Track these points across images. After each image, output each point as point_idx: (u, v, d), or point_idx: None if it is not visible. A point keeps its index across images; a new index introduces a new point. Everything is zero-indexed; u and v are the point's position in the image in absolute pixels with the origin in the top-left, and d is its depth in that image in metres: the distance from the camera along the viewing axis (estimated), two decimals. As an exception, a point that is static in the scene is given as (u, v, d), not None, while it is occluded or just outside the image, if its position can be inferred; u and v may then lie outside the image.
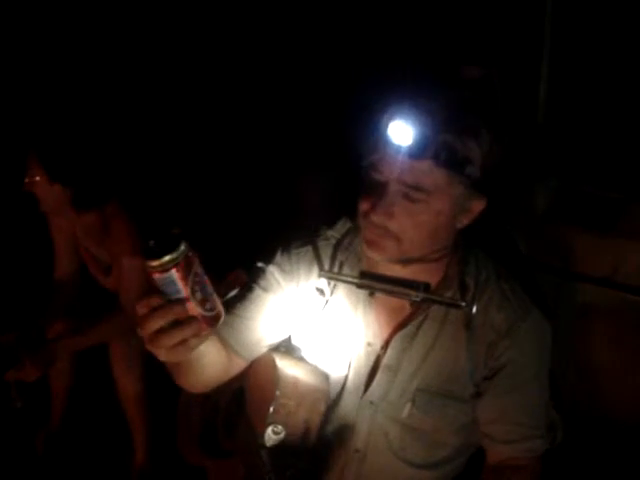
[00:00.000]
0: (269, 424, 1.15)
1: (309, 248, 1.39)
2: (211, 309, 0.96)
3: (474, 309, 1.28)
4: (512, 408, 1.30)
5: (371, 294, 1.34)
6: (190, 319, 0.94)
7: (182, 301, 0.92)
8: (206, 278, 0.95)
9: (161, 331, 0.95)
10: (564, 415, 1.44)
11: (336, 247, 1.41)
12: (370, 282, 1.27)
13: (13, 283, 3.12)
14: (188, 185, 3.22)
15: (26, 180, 2.22)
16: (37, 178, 2.21)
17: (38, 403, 2.64)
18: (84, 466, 2.59)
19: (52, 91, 3.23)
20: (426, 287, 1.21)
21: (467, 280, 1.32)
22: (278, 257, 1.42)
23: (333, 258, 1.39)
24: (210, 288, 0.96)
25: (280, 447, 1.22)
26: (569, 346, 2.10)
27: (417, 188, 1.16)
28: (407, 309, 1.33)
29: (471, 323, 1.30)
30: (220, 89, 3.36)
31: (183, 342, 0.96)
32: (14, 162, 2.28)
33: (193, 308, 0.94)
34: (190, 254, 0.92)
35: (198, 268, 0.93)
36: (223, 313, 0.99)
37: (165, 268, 0.89)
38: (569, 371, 2.13)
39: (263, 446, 1.19)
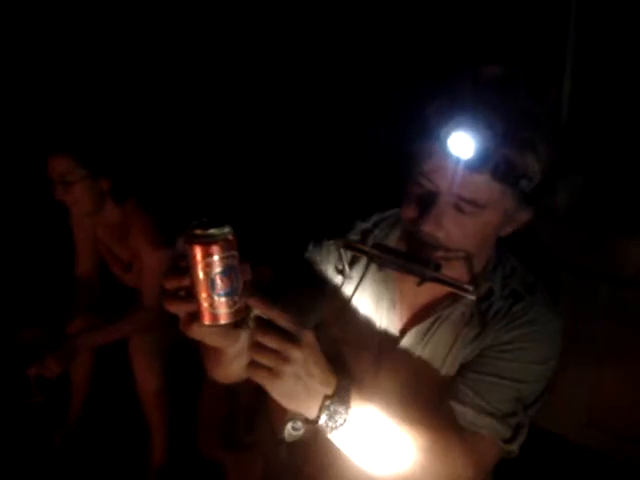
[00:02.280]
0: (289, 420, 1.14)
1: (340, 240, 1.38)
2: (220, 306, 0.93)
3: (493, 307, 1.29)
4: (484, 383, 1.25)
5: (380, 268, 1.34)
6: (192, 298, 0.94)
7: (198, 275, 0.91)
8: (235, 275, 0.93)
9: (170, 294, 0.96)
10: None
11: (365, 236, 1.41)
12: (382, 254, 1.27)
13: (35, 280, 3.16)
14: (211, 181, 3.24)
15: (59, 186, 2.23)
16: (76, 178, 2.22)
17: (58, 398, 2.66)
18: (102, 461, 2.60)
19: (77, 91, 3.27)
20: (437, 266, 1.20)
21: (494, 285, 1.31)
22: (310, 251, 1.43)
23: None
24: (234, 286, 0.93)
25: (299, 443, 1.21)
26: (592, 345, 2.08)
27: (471, 201, 1.15)
28: (428, 308, 1.34)
29: (486, 327, 1.29)
30: (242, 84, 3.38)
31: (188, 321, 0.96)
32: (35, 165, 2.29)
33: (204, 289, 0.92)
34: (233, 242, 0.92)
35: (234, 260, 0.92)
36: (228, 319, 0.95)
37: (206, 240, 0.89)
38: (591, 370, 2.11)
39: (282, 442, 1.18)
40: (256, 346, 0.98)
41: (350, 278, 1.40)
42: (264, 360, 0.97)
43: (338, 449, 1.11)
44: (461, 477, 1.19)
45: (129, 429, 2.70)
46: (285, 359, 0.97)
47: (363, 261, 1.40)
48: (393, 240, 1.39)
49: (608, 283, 2.14)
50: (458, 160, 1.10)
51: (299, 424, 1.11)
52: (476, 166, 1.10)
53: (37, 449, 2.64)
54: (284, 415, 1.16)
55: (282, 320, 0.96)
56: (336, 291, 1.41)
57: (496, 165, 1.10)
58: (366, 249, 1.30)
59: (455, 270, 1.23)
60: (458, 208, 1.16)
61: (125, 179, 2.34)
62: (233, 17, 3.36)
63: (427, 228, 1.17)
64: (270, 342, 0.96)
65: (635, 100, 2.34)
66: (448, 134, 1.09)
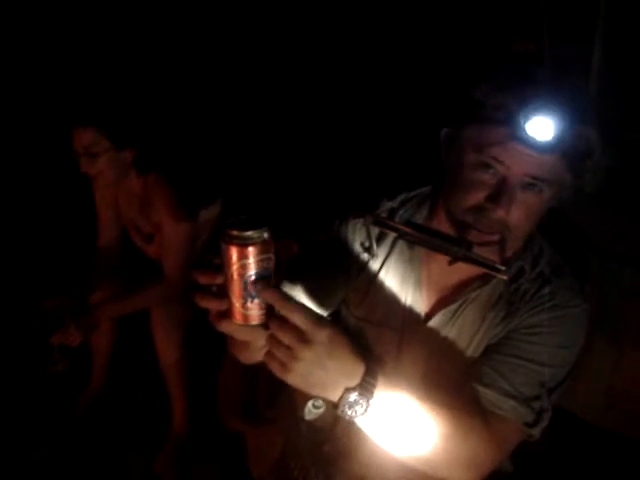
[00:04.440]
0: (310, 398, 1.15)
1: (367, 218, 1.37)
2: (252, 308, 0.94)
3: (521, 288, 1.28)
4: (508, 365, 1.25)
5: (410, 247, 1.34)
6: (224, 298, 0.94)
7: (232, 276, 0.91)
8: (269, 277, 0.93)
9: (202, 289, 0.96)
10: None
11: (391, 215, 1.40)
12: (413, 231, 1.26)
13: (58, 251, 3.18)
14: (233, 153, 3.24)
15: (83, 157, 2.24)
16: (101, 150, 2.23)
17: (80, 367, 2.69)
18: (123, 430, 2.64)
19: (102, 64, 3.27)
20: (468, 245, 1.19)
21: (525, 264, 1.31)
22: (336, 227, 1.43)
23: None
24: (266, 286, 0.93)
25: (319, 421, 1.22)
26: (616, 328, 2.06)
27: (541, 180, 1.15)
28: (456, 290, 1.34)
29: (514, 309, 1.29)
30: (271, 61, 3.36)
31: (218, 317, 0.97)
32: (60, 136, 2.30)
33: (237, 290, 0.92)
34: (270, 245, 0.91)
35: (270, 263, 0.92)
36: (259, 320, 0.96)
37: (243, 242, 0.89)
38: (614, 353, 2.10)
39: (302, 419, 1.19)
40: (272, 339, 0.98)
41: (376, 256, 1.39)
42: (277, 354, 0.98)
43: (359, 430, 1.12)
44: (482, 459, 1.19)
45: (150, 398, 2.73)
46: (295, 357, 0.97)
47: (389, 240, 1.40)
48: (419, 220, 1.38)
49: (632, 267, 2.11)
50: (533, 142, 1.10)
51: (320, 402, 1.12)
52: (551, 147, 1.10)
53: (59, 417, 2.67)
54: (306, 393, 1.17)
55: (295, 317, 0.96)
56: (362, 268, 1.41)
57: (570, 144, 1.11)
58: (398, 226, 1.30)
59: (487, 251, 1.23)
60: (525, 189, 1.17)
61: (149, 151, 2.34)
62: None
63: (500, 213, 1.17)
64: (283, 338, 0.97)
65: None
66: (526, 119, 1.09)
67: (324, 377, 1.00)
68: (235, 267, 0.90)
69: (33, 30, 3.37)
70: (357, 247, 1.41)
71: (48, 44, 3.37)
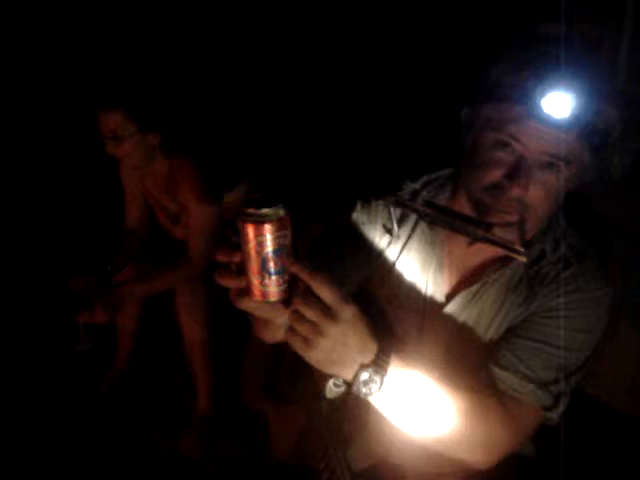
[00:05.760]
0: (331, 377, 1.16)
1: (389, 199, 1.37)
2: (270, 285, 0.94)
3: (542, 271, 1.28)
4: (527, 349, 1.25)
5: (432, 229, 1.35)
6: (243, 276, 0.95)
7: (249, 253, 0.92)
8: (286, 254, 0.94)
9: (221, 267, 0.97)
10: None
11: (414, 196, 1.40)
12: (433, 212, 1.27)
13: (85, 231, 3.22)
14: (259, 136, 3.24)
15: (110, 140, 2.25)
16: (127, 133, 2.24)
17: (106, 346, 2.72)
18: (147, 409, 2.68)
19: (127, 48, 3.29)
20: (488, 227, 1.19)
21: (546, 247, 1.30)
22: (358, 209, 1.43)
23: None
24: (285, 264, 0.94)
25: (339, 400, 1.23)
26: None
27: (559, 158, 1.14)
28: (477, 271, 1.34)
29: (534, 291, 1.28)
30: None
31: (238, 294, 0.98)
32: (87, 119, 2.32)
33: (255, 267, 0.93)
34: (286, 221, 0.92)
35: (286, 240, 0.93)
36: (277, 297, 0.96)
37: (259, 220, 0.90)
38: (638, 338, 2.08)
39: (324, 397, 1.20)
40: (296, 315, 0.98)
41: (398, 237, 1.39)
42: (301, 330, 0.99)
43: (378, 409, 1.13)
44: (499, 441, 1.20)
45: (175, 377, 2.77)
46: (320, 332, 0.98)
47: (411, 221, 1.40)
48: (442, 201, 1.38)
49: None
50: (550, 119, 1.09)
51: (340, 381, 1.12)
52: (569, 125, 1.09)
53: (85, 395, 2.72)
54: (327, 372, 1.18)
55: (323, 292, 0.97)
56: (383, 250, 1.41)
57: (587, 122, 1.10)
58: (417, 207, 1.30)
59: (507, 232, 1.22)
60: (543, 167, 1.16)
61: (175, 133, 2.35)
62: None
63: (517, 191, 1.16)
64: (308, 313, 0.97)
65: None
66: (543, 96, 1.08)
67: (344, 354, 1.01)
68: (252, 244, 0.91)
69: (58, 16, 3.39)
70: (379, 228, 1.41)
71: (74, 29, 3.39)
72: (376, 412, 1.13)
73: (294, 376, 1.57)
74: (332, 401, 1.21)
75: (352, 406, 1.39)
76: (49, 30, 3.40)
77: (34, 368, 2.76)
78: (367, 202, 1.43)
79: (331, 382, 1.14)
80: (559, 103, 1.07)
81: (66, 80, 3.36)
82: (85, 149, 2.72)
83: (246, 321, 1.23)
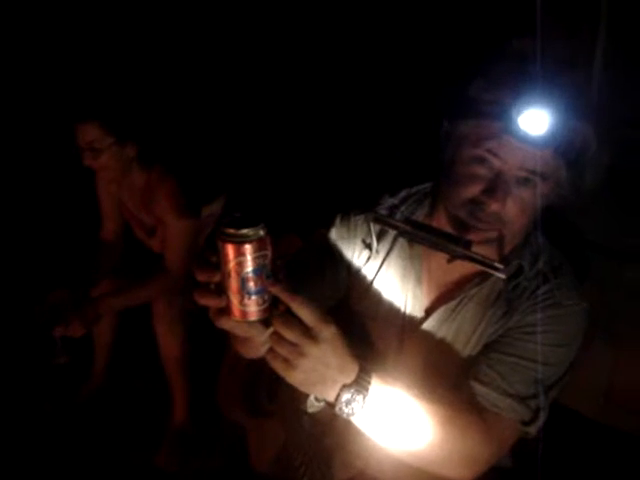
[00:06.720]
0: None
1: (368, 215, 1.38)
2: (250, 304, 0.94)
3: (520, 286, 1.29)
4: (506, 364, 1.25)
5: (411, 244, 1.36)
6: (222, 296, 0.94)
7: (229, 273, 0.92)
8: (266, 274, 0.93)
9: (200, 286, 0.96)
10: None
11: (392, 211, 1.41)
12: (412, 229, 1.28)
13: (60, 244, 3.20)
14: (237, 149, 3.24)
15: (87, 152, 2.23)
16: (105, 145, 2.23)
17: (82, 359, 2.70)
18: (123, 422, 2.65)
19: (105, 60, 3.28)
20: (467, 244, 1.21)
21: (523, 263, 1.31)
22: (337, 223, 1.44)
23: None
24: (263, 286, 0.94)
25: (320, 414, 1.23)
26: (614, 325, 2.07)
27: (535, 174, 1.16)
28: (455, 287, 1.35)
29: (512, 307, 1.29)
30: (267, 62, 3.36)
31: (217, 313, 0.97)
32: (63, 131, 2.31)
33: (235, 287, 0.93)
34: (266, 241, 0.91)
35: (266, 260, 0.92)
36: (257, 316, 0.96)
37: (239, 240, 0.90)
38: (612, 348, 2.11)
39: (305, 412, 1.20)
40: (276, 336, 0.98)
41: (377, 253, 1.40)
42: (281, 351, 0.99)
43: (357, 427, 1.13)
44: (478, 456, 1.20)
45: (151, 390, 2.75)
46: (301, 353, 0.98)
47: (390, 236, 1.41)
48: (420, 216, 1.39)
49: (632, 263, 2.12)
50: (527, 136, 1.11)
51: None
52: (545, 141, 1.11)
53: (60, 408, 2.70)
54: (308, 393, 1.18)
55: (303, 313, 0.97)
56: (362, 265, 1.42)
57: (563, 139, 1.12)
58: (397, 223, 1.31)
59: (485, 248, 1.24)
60: (520, 183, 1.18)
61: (152, 146, 2.35)
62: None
63: (496, 207, 1.18)
64: (288, 335, 0.97)
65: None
66: (520, 113, 1.10)
67: (325, 374, 1.02)
68: (232, 264, 0.91)
69: (36, 27, 3.37)
70: (359, 243, 1.42)
71: (51, 40, 3.37)
72: (355, 427, 1.14)
73: (273, 388, 1.57)
74: (313, 415, 1.21)
75: (333, 421, 1.39)
76: (27, 42, 3.38)
77: (9, 381, 2.72)
78: (346, 217, 1.44)
79: (312, 396, 1.14)
80: (536, 120, 1.09)
81: (44, 92, 3.33)
82: (61, 161, 2.70)
83: (224, 333, 1.23)
